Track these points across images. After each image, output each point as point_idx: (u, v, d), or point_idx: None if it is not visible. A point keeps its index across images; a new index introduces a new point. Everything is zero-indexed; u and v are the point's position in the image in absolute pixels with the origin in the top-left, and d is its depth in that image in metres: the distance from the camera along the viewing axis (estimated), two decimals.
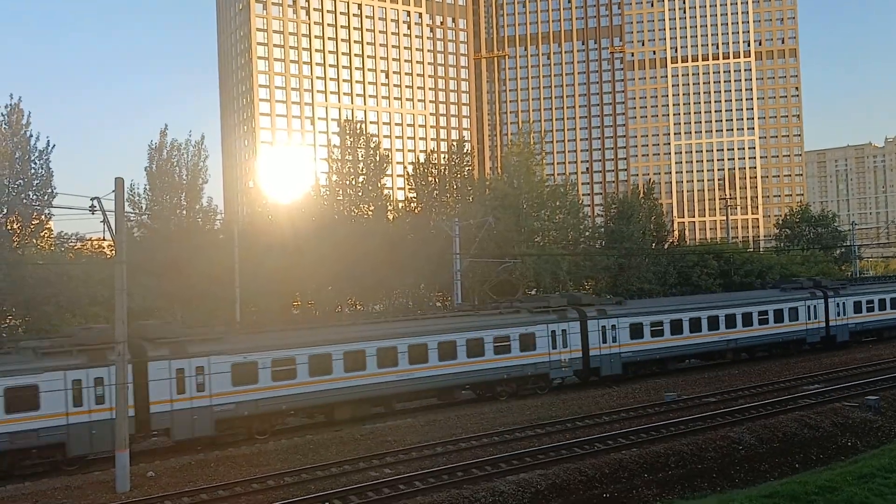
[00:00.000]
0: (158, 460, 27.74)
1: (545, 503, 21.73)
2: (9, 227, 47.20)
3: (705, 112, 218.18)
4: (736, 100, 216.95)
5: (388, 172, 73.06)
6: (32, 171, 47.35)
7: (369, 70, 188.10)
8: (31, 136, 47.62)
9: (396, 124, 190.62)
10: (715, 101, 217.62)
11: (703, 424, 29.10)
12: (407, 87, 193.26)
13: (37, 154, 47.54)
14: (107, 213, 24.92)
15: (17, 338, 48.57)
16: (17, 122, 47.38)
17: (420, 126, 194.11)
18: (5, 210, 46.82)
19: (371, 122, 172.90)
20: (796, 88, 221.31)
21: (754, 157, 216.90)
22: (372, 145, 67.76)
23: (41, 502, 22.86)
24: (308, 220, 59.58)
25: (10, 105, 47.42)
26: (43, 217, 49.36)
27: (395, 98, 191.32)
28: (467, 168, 74.01)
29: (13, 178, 46.77)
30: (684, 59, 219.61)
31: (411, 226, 65.01)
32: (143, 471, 25.66)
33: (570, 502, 21.86)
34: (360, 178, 65.69)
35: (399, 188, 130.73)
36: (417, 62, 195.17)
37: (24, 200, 46.78)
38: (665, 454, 25.38)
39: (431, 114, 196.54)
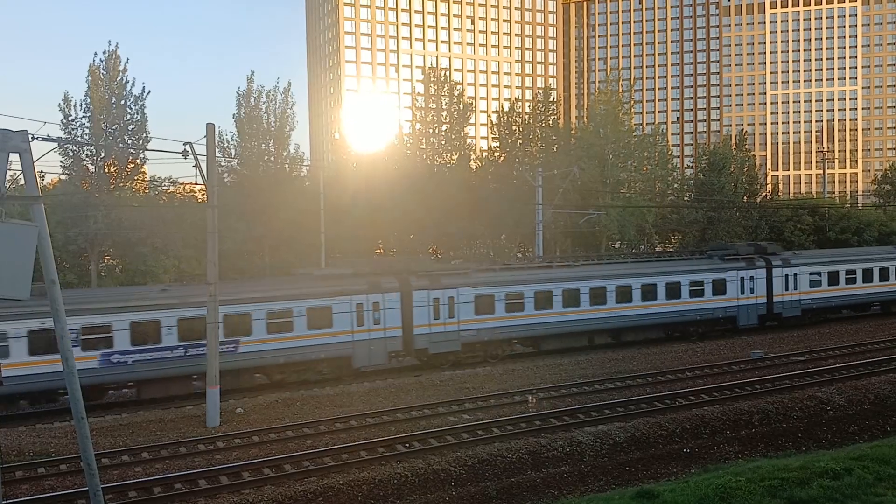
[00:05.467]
0: (247, 397, 28.83)
1: (623, 455, 21.66)
2: (106, 171, 49.17)
3: (805, 60, 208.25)
4: (839, 47, 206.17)
5: (472, 121, 72.35)
6: (128, 116, 49.03)
7: (455, 16, 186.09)
8: (128, 82, 49.18)
9: (481, 71, 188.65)
10: (816, 49, 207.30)
11: (790, 383, 28.42)
12: (493, 33, 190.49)
13: (132, 99, 49.13)
14: (198, 157, 25.57)
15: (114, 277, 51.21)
16: (115, 68, 48.89)
17: (505, 73, 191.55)
18: (103, 154, 48.69)
19: (455, 70, 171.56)
20: None
21: (856, 109, 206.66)
22: (456, 93, 67.27)
23: (136, 433, 24.10)
24: (391, 168, 59.90)
25: (108, 51, 48.92)
26: (138, 161, 51.21)
27: (480, 45, 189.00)
28: (553, 117, 72.73)
29: (110, 122, 48.51)
30: (784, 4, 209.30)
31: (494, 175, 64.67)
32: (232, 407, 26.71)
33: (648, 456, 21.73)
34: (444, 127, 65.45)
35: (482, 137, 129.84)
36: (504, 7, 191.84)
37: (121, 145, 48.50)
38: (749, 412, 24.93)
39: (517, 61, 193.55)
